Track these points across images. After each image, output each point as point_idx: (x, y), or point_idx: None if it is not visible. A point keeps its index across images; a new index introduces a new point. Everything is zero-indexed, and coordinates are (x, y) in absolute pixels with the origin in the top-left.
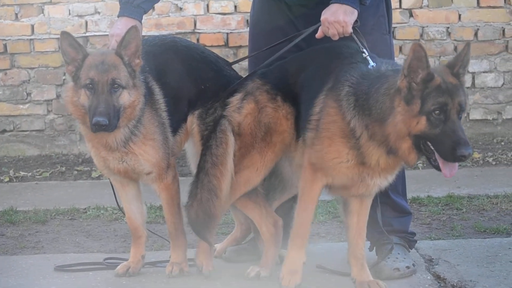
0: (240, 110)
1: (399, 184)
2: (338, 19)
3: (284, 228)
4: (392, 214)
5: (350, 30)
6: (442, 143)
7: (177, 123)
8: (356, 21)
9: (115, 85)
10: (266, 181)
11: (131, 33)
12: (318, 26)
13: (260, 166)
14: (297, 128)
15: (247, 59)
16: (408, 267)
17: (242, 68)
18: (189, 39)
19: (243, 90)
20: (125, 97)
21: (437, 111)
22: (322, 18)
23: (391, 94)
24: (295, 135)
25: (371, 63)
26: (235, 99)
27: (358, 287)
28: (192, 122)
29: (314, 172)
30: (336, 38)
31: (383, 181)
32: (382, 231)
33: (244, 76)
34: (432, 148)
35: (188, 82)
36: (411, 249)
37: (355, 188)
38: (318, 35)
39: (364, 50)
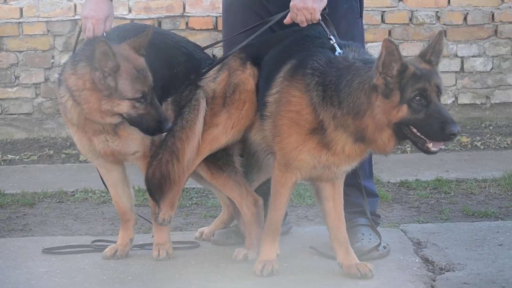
0: (215, 79)
1: (367, 167)
2: (306, 5)
3: (264, 208)
4: (360, 196)
5: (318, 16)
6: (430, 125)
7: None
8: (324, 8)
9: None
10: (243, 161)
11: (99, 48)
12: (287, 12)
13: (227, 125)
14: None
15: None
16: (385, 247)
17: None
18: (178, 23)
19: (223, 64)
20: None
21: (418, 97)
22: (291, 4)
23: (365, 90)
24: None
25: (338, 50)
26: (213, 71)
27: (345, 271)
28: (167, 109)
29: (283, 172)
30: (304, 24)
31: (348, 167)
32: (352, 211)
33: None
34: (418, 133)
35: (161, 65)
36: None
37: (323, 176)
38: (286, 21)
39: (332, 37)
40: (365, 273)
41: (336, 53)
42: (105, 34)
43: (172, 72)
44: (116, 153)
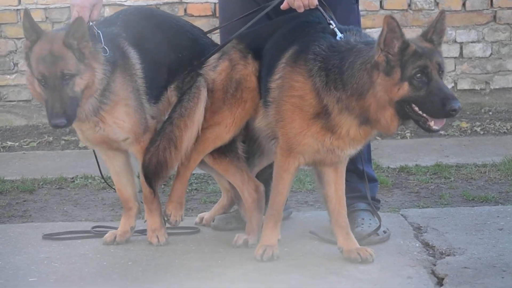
0: (215, 68)
1: (365, 152)
2: None
3: (266, 194)
4: (359, 181)
5: (316, 2)
6: (431, 102)
7: (159, 89)
8: None
9: (66, 77)
10: (245, 147)
11: (77, 24)
12: None
13: (229, 123)
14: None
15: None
16: (385, 232)
17: None
18: (176, 9)
19: (221, 51)
20: (79, 83)
21: (419, 74)
22: None
23: (368, 69)
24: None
25: (339, 34)
26: (212, 58)
27: (346, 255)
28: (171, 95)
29: (286, 158)
30: (302, 10)
31: (352, 151)
32: (352, 196)
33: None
34: (419, 111)
35: (167, 48)
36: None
37: (327, 159)
38: (283, 6)
39: (332, 21)
40: (366, 258)
41: (337, 38)
42: (92, 23)
43: (177, 56)
44: (107, 140)
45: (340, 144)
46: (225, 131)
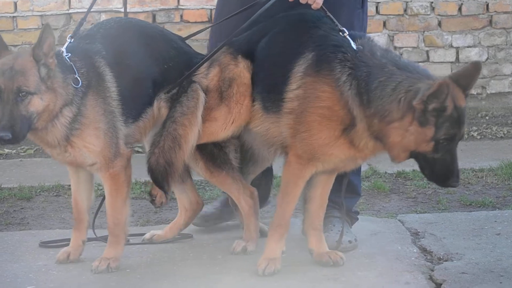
0: (207, 75)
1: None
2: None
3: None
4: (339, 190)
5: (321, 3)
6: (439, 168)
7: (140, 107)
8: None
9: (22, 93)
10: (238, 156)
11: (46, 31)
12: None
13: (227, 120)
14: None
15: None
16: (350, 242)
17: None
18: (172, 16)
19: (212, 60)
20: (36, 103)
21: (446, 141)
22: None
23: (400, 102)
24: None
25: (353, 45)
26: (203, 67)
27: (316, 258)
28: (160, 106)
29: (303, 166)
30: (304, 1)
31: (367, 160)
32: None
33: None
34: (423, 165)
35: (150, 62)
36: (351, 226)
37: (346, 167)
38: None
39: (343, 28)
40: (337, 261)
41: (356, 47)
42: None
43: (162, 67)
44: (74, 163)
45: (362, 155)
46: (221, 128)
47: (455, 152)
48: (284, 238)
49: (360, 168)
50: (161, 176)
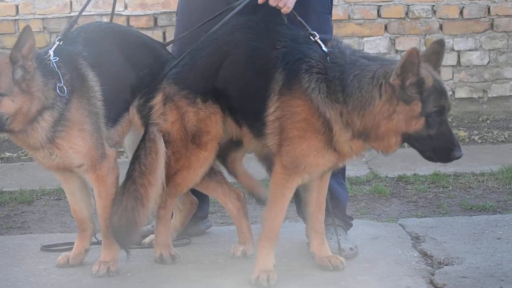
0: (165, 117)
1: (341, 169)
2: None
3: None
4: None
5: (291, 7)
6: (438, 144)
7: (118, 111)
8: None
9: None
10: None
11: (26, 33)
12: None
13: (196, 166)
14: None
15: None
16: (351, 249)
17: None
18: (174, 19)
19: (162, 91)
20: (6, 105)
21: (436, 113)
22: None
23: (380, 86)
24: (235, 125)
25: (324, 47)
26: (157, 101)
27: (318, 261)
28: (133, 113)
29: (289, 176)
30: (274, 4)
31: (349, 161)
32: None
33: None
34: (422, 148)
35: (128, 67)
36: (347, 231)
37: (327, 171)
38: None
39: (314, 32)
40: (337, 265)
41: (326, 49)
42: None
43: (138, 74)
44: (62, 166)
45: (342, 158)
46: (194, 174)
47: (448, 124)
48: (273, 250)
49: (344, 172)
50: (122, 235)
